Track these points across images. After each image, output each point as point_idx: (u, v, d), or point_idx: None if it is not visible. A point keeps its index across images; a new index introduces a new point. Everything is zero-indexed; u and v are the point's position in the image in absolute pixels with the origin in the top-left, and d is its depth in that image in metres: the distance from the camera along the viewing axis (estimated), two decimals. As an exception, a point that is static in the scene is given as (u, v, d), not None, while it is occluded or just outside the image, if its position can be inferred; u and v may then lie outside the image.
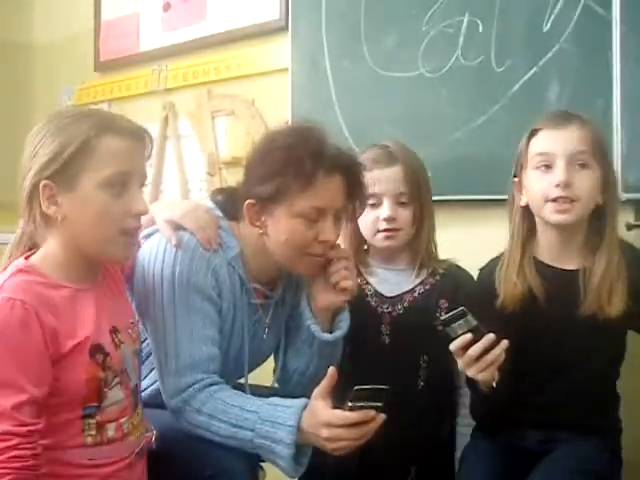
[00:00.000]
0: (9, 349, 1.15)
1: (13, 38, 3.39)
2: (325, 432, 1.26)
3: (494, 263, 1.56)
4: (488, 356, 1.33)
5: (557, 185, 1.43)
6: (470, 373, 1.36)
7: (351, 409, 1.25)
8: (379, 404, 1.25)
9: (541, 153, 1.47)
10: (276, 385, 1.62)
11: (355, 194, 1.48)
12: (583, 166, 1.45)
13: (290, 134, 1.45)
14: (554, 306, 1.48)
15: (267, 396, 1.38)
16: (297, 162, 1.37)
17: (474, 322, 1.33)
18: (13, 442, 1.12)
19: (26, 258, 1.26)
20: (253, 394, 1.42)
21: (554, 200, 1.44)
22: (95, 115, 1.27)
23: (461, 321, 1.33)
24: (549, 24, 1.86)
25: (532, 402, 1.49)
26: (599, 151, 1.47)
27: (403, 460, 1.67)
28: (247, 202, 1.43)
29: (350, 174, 1.45)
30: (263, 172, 1.41)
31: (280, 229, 1.42)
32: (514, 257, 1.51)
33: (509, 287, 1.49)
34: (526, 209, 1.53)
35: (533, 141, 1.49)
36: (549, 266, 1.51)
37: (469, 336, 1.33)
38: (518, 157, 1.53)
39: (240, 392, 1.41)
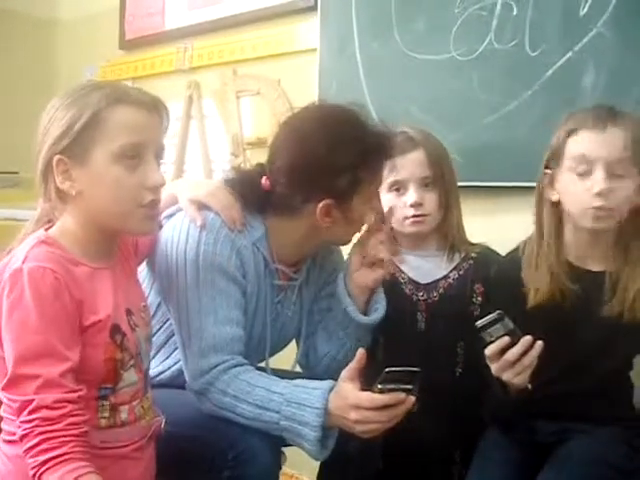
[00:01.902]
0: (46, 317, 1.13)
1: (38, 14, 3.39)
2: (354, 414, 1.25)
3: (515, 255, 1.53)
4: (524, 360, 1.30)
5: (598, 194, 1.37)
6: (505, 377, 1.32)
7: (381, 391, 1.23)
8: (409, 387, 1.23)
9: (580, 156, 1.40)
10: (298, 369, 1.60)
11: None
12: (621, 175, 1.39)
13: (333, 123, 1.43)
14: (577, 306, 1.44)
15: (292, 379, 1.36)
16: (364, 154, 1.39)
17: (511, 325, 1.29)
18: (68, 409, 1.10)
19: (45, 230, 1.24)
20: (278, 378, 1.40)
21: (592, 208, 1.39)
22: (107, 87, 1.23)
23: (498, 325, 1.29)
24: (586, 7, 1.80)
25: (545, 395, 1.44)
26: None
27: (447, 447, 1.65)
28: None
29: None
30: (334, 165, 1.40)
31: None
32: (543, 254, 1.46)
33: (538, 285, 1.45)
34: (556, 205, 1.47)
35: (572, 140, 1.42)
36: (575, 266, 1.47)
37: (507, 339, 1.29)
38: (553, 150, 1.46)
39: (265, 374, 1.40)
